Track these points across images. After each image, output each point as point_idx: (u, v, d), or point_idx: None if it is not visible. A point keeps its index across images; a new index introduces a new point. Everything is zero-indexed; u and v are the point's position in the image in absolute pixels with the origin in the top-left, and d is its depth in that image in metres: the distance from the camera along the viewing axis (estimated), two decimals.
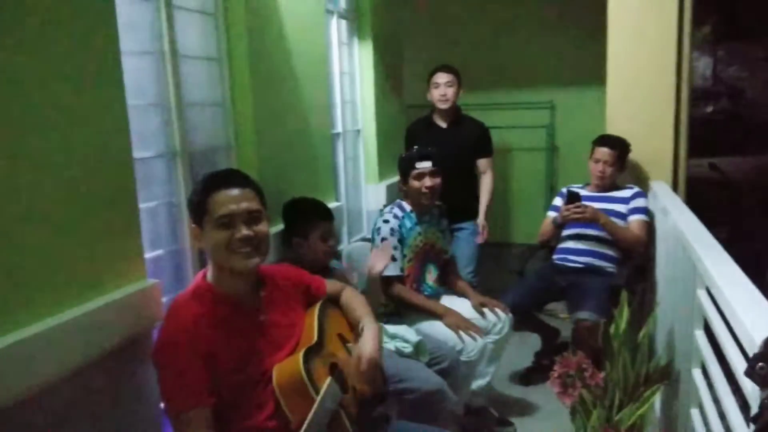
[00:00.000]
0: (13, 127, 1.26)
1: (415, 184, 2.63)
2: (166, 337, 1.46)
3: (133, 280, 1.60)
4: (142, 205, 1.78)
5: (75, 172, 1.42)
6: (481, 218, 3.47)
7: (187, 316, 1.48)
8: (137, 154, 1.76)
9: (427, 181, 2.61)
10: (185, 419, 1.39)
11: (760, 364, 0.83)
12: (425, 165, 2.62)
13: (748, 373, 0.86)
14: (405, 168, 2.67)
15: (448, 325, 2.50)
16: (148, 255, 1.84)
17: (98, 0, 1.50)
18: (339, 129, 3.49)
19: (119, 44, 1.57)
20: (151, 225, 1.93)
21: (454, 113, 3.50)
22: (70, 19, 1.41)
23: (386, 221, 2.62)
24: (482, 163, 3.50)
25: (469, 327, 2.50)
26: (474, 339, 2.47)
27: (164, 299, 1.73)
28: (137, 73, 1.87)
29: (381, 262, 2.29)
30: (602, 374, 1.44)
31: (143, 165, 1.87)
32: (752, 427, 0.87)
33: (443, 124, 3.49)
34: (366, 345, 1.68)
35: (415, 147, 2.75)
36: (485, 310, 2.65)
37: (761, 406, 0.85)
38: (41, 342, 1.28)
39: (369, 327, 1.76)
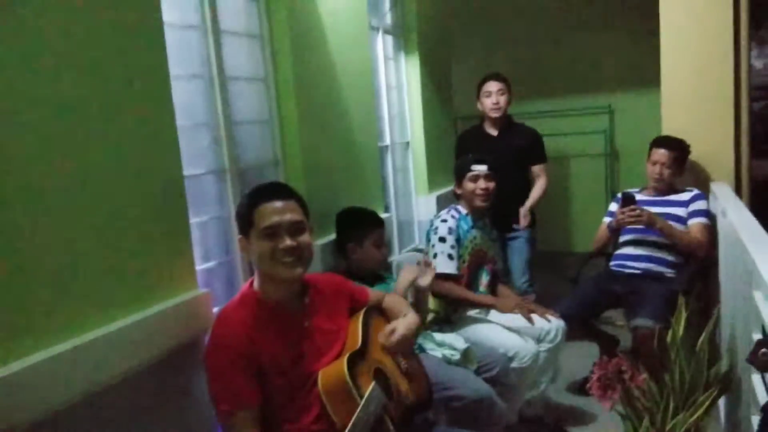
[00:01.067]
0: (69, 147, 1.37)
1: (470, 186, 2.69)
2: (214, 343, 1.53)
3: (184, 290, 1.68)
4: (194, 220, 1.88)
5: (126, 190, 1.52)
6: (525, 207, 3.37)
7: (234, 322, 1.55)
8: (189, 171, 1.87)
9: (482, 183, 2.68)
10: (233, 421, 1.46)
11: (763, 350, 0.80)
12: (481, 168, 2.69)
13: (751, 360, 0.84)
14: (461, 171, 2.74)
15: (503, 310, 2.58)
16: (201, 267, 1.94)
17: (148, 28, 1.61)
18: (387, 142, 3.55)
19: (168, 68, 1.67)
20: (203, 238, 2.03)
21: (505, 121, 3.49)
22: (122, 46, 1.52)
23: (444, 221, 2.68)
24: (535, 169, 3.47)
25: (528, 306, 2.56)
26: (532, 323, 2.51)
27: (216, 308, 1.81)
28: (188, 95, 1.98)
29: (428, 276, 2.30)
30: (643, 376, 1.40)
31: (195, 182, 1.97)
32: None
33: (494, 132, 3.49)
34: (400, 323, 1.74)
35: (470, 154, 2.80)
36: (535, 317, 2.63)
37: None
38: (97, 348, 1.37)
39: (408, 315, 1.82)
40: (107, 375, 1.40)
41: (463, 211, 2.76)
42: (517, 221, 3.35)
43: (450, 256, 2.60)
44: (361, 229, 2.37)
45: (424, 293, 2.29)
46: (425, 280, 2.18)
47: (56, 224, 1.32)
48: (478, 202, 2.70)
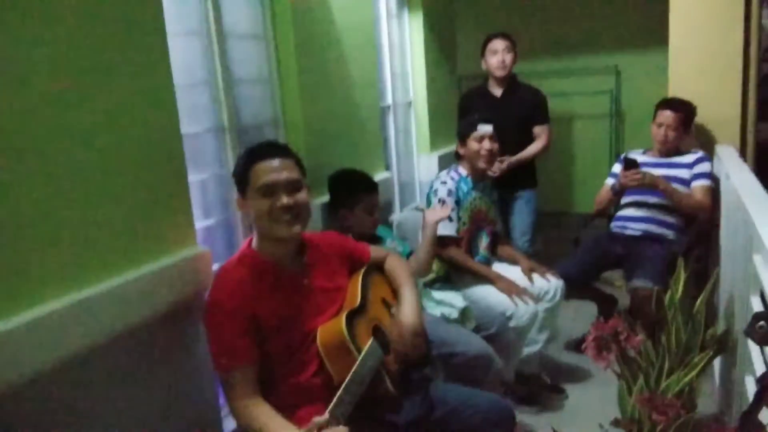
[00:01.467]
0: (65, 107, 1.35)
1: (475, 146, 2.67)
2: (213, 301, 1.55)
3: (184, 248, 1.69)
4: (193, 178, 1.87)
5: (125, 148, 1.51)
6: (510, 158, 3.25)
7: (232, 281, 1.56)
8: (187, 129, 1.85)
9: (487, 144, 2.66)
10: (232, 377, 1.49)
11: (761, 323, 0.81)
12: (487, 128, 2.67)
13: (748, 332, 0.84)
14: (466, 130, 2.72)
15: (500, 290, 2.52)
16: (200, 225, 1.94)
17: None
18: (389, 101, 3.51)
19: (164, 24, 1.64)
20: (203, 196, 2.03)
21: (510, 81, 3.45)
22: (118, 3, 1.49)
23: (444, 182, 2.67)
24: (536, 130, 3.44)
25: (522, 292, 2.51)
26: (526, 303, 2.47)
27: (215, 265, 1.82)
28: (186, 52, 1.95)
29: (437, 214, 2.39)
30: (639, 337, 1.42)
31: (194, 140, 1.96)
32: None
33: (498, 92, 3.45)
34: (404, 314, 1.75)
35: (476, 114, 2.78)
36: (535, 276, 2.65)
37: None
38: (96, 304, 1.38)
39: (406, 294, 1.82)
40: (106, 331, 1.41)
41: (464, 172, 2.74)
42: (520, 183, 3.35)
43: (449, 218, 2.60)
44: (353, 195, 2.31)
45: (428, 228, 2.38)
46: (431, 216, 2.38)
47: (54, 181, 1.32)
48: (482, 163, 2.68)
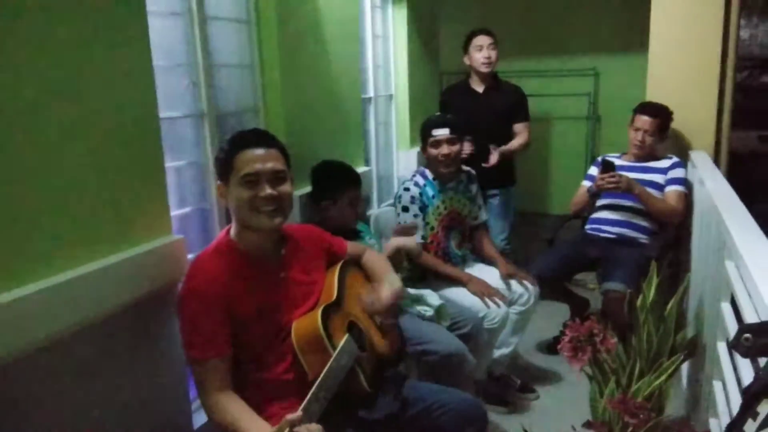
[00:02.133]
0: (40, 87, 1.30)
1: (432, 151, 2.62)
2: (187, 290, 1.51)
3: (158, 235, 1.64)
4: (169, 164, 1.82)
5: (100, 131, 1.46)
6: (500, 148, 3.28)
7: (208, 270, 1.53)
8: (164, 113, 1.80)
9: (444, 149, 2.59)
10: (203, 368, 1.46)
11: (746, 335, 0.81)
12: (442, 132, 2.59)
13: (733, 345, 0.85)
14: (423, 135, 2.67)
15: (473, 292, 2.51)
16: (176, 212, 1.89)
17: None
18: (371, 93, 3.48)
19: (145, 3, 1.59)
20: (179, 183, 1.97)
21: (492, 78, 3.45)
22: None
23: (407, 189, 2.62)
24: (518, 127, 3.45)
25: (494, 294, 2.50)
26: (498, 306, 2.47)
27: (191, 255, 1.78)
28: (165, 34, 1.89)
29: (412, 238, 2.35)
30: (614, 340, 1.43)
31: (171, 125, 1.90)
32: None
33: (480, 89, 3.45)
34: (389, 281, 1.81)
35: (437, 113, 2.73)
36: (512, 281, 2.64)
37: (755, 378, 0.83)
38: (67, 291, 1.34)
39: (391, 277, 1.86)
40: (78, 318, 1.37)
41: (430, 175, 2.69)
42: (499, 180, 3.35)
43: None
44: (337, 187, 2.28)
45: (411, 253, 2.37)
46: (411, 242, 2.31)
47: (24, 165, 1.27)
48: (442, 168, 2.62)
